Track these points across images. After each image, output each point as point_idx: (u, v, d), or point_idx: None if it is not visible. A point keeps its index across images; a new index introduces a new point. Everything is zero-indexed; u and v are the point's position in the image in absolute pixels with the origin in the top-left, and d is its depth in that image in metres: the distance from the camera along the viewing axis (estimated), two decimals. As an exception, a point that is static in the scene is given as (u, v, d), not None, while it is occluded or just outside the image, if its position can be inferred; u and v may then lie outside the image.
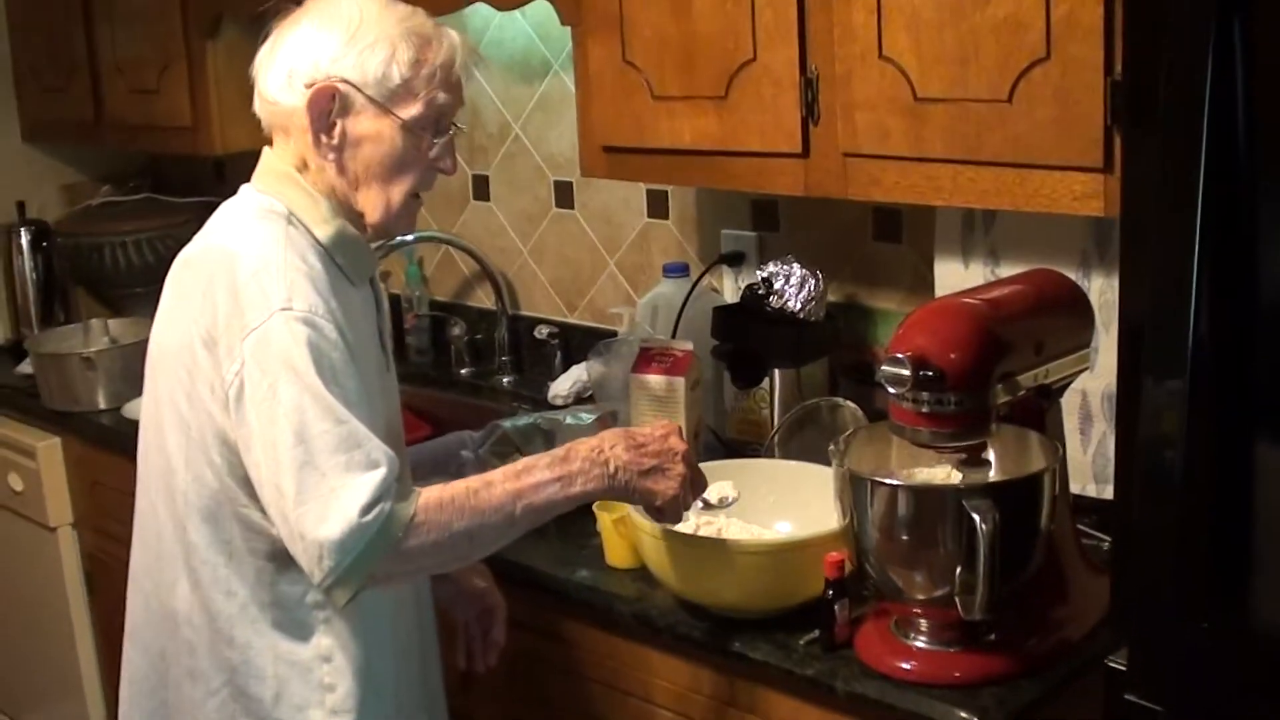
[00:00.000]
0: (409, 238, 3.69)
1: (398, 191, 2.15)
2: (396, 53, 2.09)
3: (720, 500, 2.43)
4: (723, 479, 2.48)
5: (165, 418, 2.13)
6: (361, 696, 2.14)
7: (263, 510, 2.03)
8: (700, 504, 2.31)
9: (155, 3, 3.86)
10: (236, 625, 2.11)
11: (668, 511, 2.19)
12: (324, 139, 2.12)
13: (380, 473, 1.94)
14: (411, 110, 2.12)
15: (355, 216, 2.16)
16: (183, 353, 2.07)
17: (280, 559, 2.06)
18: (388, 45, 2.09)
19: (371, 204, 2.15)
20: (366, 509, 1.91)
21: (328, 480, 1.92)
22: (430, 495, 1.99)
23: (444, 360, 3.92)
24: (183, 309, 2.10)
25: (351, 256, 2.15)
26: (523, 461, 2.10)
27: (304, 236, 2.10)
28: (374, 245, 2.28)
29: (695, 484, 2.21)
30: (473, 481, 2.04)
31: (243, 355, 1.97)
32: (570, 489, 2.09)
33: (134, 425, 3.61)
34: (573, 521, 2.74)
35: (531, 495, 2.06)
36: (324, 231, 2.12)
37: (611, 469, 2.12)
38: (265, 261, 2.02)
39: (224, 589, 2.10)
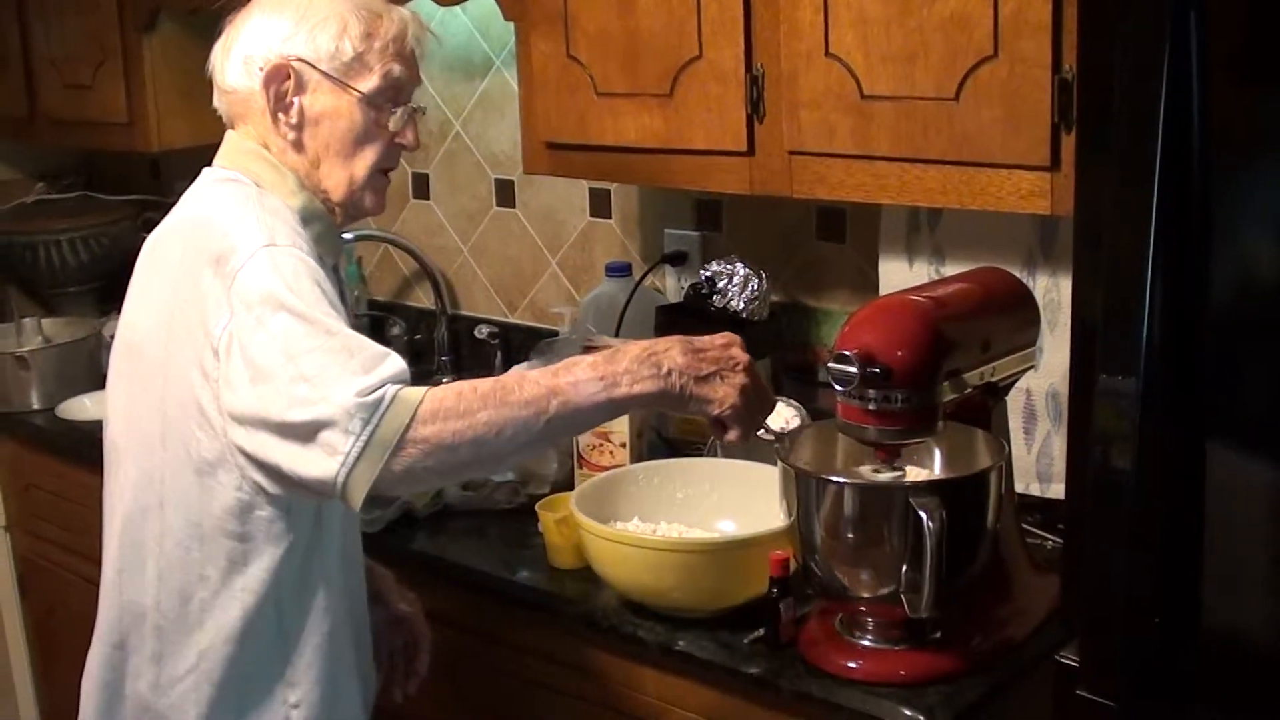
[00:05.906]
0: (348, 235, 3.65)
1: (360, 166, 2.18)
2: (347, 27, 2.14)
3: (781, 429, 2.18)
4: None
5: (140, 399, 2.10)
6: (319, 672, 2.13)
7: (237, 486, 2.00)
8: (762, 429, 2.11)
9: (90, -4, 3.81)
10: (208, 609, 2.08)
11: (729, 422, 2.00)
12: (282, 118, 2.15)
13: (384, 366, 1.88)
14: (368, 83, 2.15)
15: (322, 197, 2.18)
16: (159, 329, 2.05)
17: (250, 539, 2.05)
18: (338, 20, 2.14)
19: (334, 180, 2.17)
20: (365, 391, 1.83)
21: (321, 389, 1.85)
22: (446, 386, 1.88)
23: (383, 360, 3.87)
24: (158, 285, 2.09)
25: (320, 232, 2.14)
26: (563, 361, 1.95)
27: (276, 201, 2.10)
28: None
29: (760, 400, 2.02)
30: (503, 377, 1.92)
31: (230, 306, 1.94)
32: (615, 390, 1.92)
33: (69, 425, 3.65)
34: (514, 523, 2.74)
35: (570, 393, 1.90)
36: (293, 203, 2.13)
37: (664, 369, 1.94)
38: (242, 214, 2.03)
39: (197, 573, 2.07)
